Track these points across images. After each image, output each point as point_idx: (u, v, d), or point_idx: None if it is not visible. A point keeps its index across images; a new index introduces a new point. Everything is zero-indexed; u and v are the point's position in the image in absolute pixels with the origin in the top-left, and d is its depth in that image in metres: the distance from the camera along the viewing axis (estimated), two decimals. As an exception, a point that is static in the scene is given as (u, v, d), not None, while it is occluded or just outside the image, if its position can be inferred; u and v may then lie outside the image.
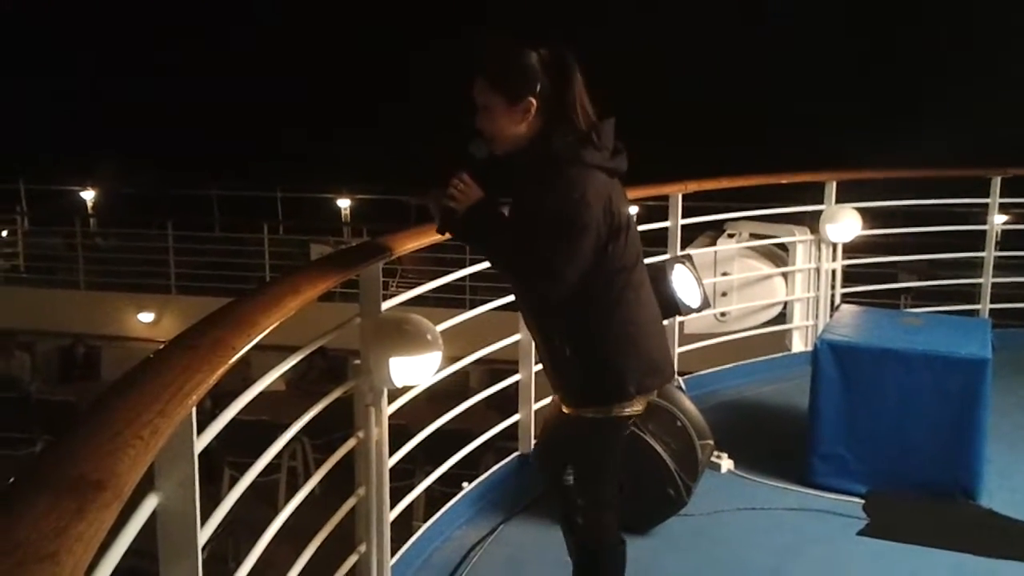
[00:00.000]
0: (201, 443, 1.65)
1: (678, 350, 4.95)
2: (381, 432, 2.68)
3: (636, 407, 2.49)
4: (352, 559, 2.68)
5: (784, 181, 5.80)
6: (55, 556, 0.92)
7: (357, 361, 2.59)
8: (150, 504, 1.54)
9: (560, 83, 2.35)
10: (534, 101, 2.33)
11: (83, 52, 24.79)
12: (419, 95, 21.54)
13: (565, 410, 2.55)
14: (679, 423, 3.60)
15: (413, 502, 3.27)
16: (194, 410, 1.56)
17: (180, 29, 25.41)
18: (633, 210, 2.58)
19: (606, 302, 2.40)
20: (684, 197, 4.87)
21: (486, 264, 3.83)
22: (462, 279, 4.30)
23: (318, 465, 2.60)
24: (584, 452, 2.58)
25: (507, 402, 4.08)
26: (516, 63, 2.35)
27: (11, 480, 1.06)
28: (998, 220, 6.18)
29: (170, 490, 1.58)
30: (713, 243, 5.57)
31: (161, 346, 1.61)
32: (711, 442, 3.78)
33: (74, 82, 24.49)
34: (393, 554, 2.94)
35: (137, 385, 1.39)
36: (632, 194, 2.74)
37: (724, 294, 5.61)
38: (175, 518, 1.60)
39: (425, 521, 3.49)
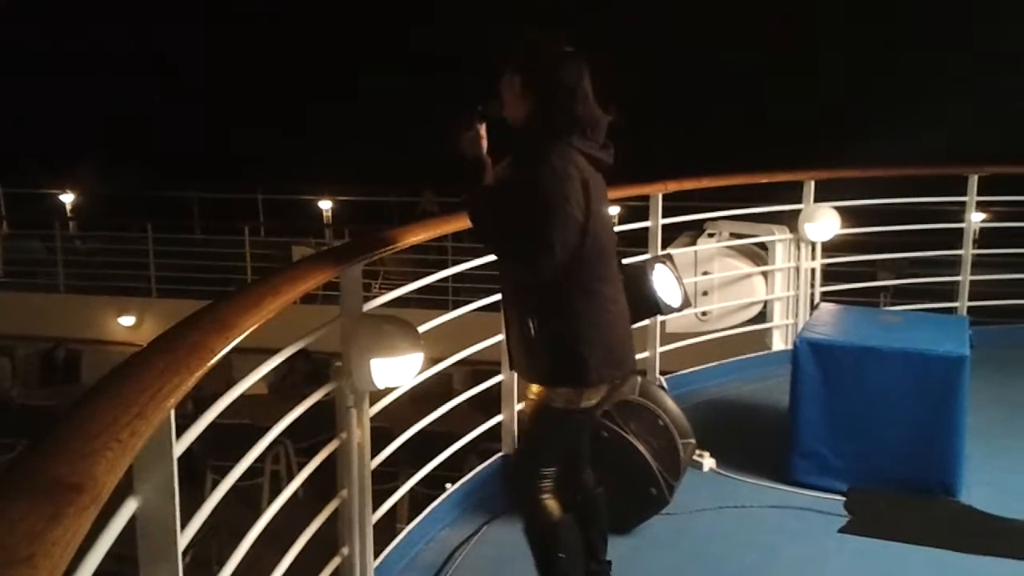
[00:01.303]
0: (180, 446, 1.65)
1: (659, 349, 4.97)
2: (363, 434, 2.68)
3: (592, 399, 2.56)
4: (335, 561, 2.68)
5: (763, 181, 5.83)
6: (31, 560, 0.91)
7: (338, 363, 2.59)
8: (129, 508, 1.54)
9: (559, 71, 2.51)
10: (533, 99, 2.52)
11: (62, 53, 24.61)
12: (402, 96, 21.51)
13: (530, 396, 2.62)
14: (661, 422, 3.62)
15: (396, 504, 3.26)
16: (172, 413, 1.56)
17: (161, 30, 25.26)
18: (615, 210, 2.65)
19: (578, 287, 2.50)
20: (664, 197, 4.89)
21: (468, 265, 3.85)
22: (444, 280, 4.29)
23: (301, 468, 2.59)
24: (536, 439, 2.70)
25: (490, 403, 4.08)
26: (523, 49, 2.56)
27: (-14, 484, 1.06)
28: (975, 218, 6.24)
29: (149, 493, 1.58)
30: (693, 243, 5.59)
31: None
32: (693, 441, 3.79)
33: (52, 84, 24.28)
34: (376, 556, 2.93)
35: (115, 388, 1.38)
36: (612, 194, 2.78)
37: (705, 293, 5.63)
38: (155, 522, 1.59)
39: (409, 523, 3.49)
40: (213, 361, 1.66)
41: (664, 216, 4.88)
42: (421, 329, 2.68)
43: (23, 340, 11.51)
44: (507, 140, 2.63)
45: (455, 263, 4.08)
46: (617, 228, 3.48)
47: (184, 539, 1.66)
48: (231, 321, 1.84)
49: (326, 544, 2.67)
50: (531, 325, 2.56)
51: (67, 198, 15.52)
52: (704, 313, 5.67)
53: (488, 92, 2.61)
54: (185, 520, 1.69)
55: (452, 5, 21.88)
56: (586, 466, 2.88)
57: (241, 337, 1.84)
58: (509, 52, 2.59)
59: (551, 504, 2.67)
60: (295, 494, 2.46)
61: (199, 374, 1.59)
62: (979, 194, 6.10)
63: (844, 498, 3.88)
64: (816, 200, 5.65)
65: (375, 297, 2.99)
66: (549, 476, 2.67)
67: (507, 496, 3.76)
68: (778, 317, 5.82)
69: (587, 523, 2.83)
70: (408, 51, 22.84)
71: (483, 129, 2.57)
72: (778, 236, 5.67)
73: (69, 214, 15.46)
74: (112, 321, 12.05)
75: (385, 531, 3.13)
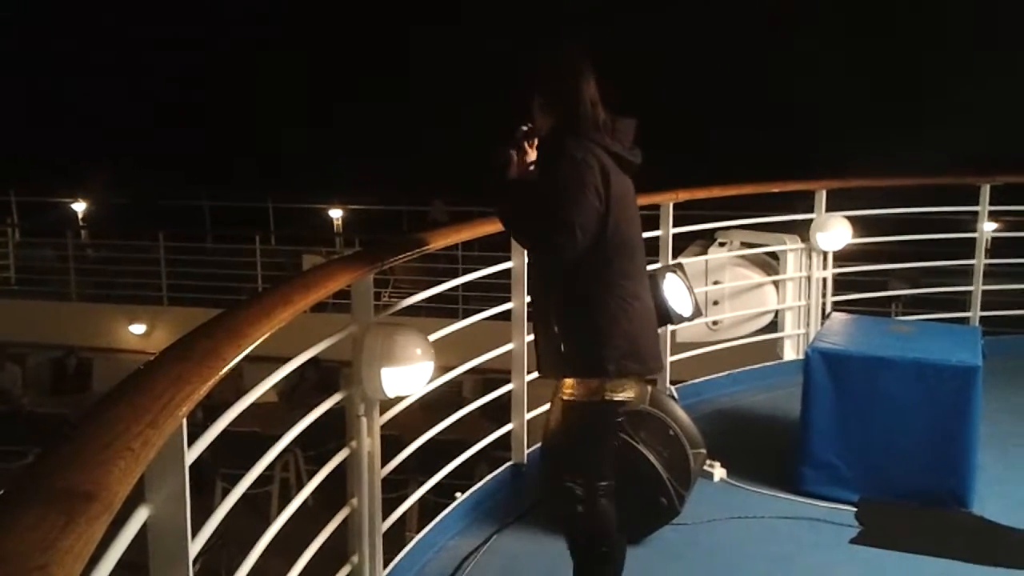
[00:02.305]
0: (192, 455, 1.65)
1: (670, 359, 4.96)
2: (373, 443, 2.68)
3: (622, 392, 2.59)
4: (345, 570, 2.68)
5: (775, 190, 5.82)
6: (45, 569, 0.91)
7: (349, 371, 2.59)
8: (141, 516, 1.54)
9: (571, 82, 2.62)
10: (553, 115, 2.65)
11: (71, 60, 24.75)
12: (414, 105, 21.57)
13: (564, 396, 2.65)
14: (671, 432, 3.61)
15: (406, 512, 3.26)
16: (184, 422, 1.56)
17: (173, 39, 25.39)
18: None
19: (596, 280, 2.56)
20: (675, 206, 4.88)
21: (478, 273, 3.86)
22: (454, 289, 4.30)
23: (310, 476, 2.60)
24: (572, 435, 2.68)
25: (500, 412, 4.08)
26: (532, 69, 2.72)
27: (0, 492, 1.06)
28: (988, 228, 6.20)
29: (161, 502, 1.58)
30: (704, 252, 5.58)
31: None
32: (703, 451, 3.78)
33: (64, 92, 24.44)
34: (386, 565, 2.93)
35: (127, 397, 1.38)
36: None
37: (715, 303, 5.61)
38: (166, 530, 1.59)
39: (418, 532, 3.48)
40: (225, 370, 1.66)
41: (675, 225, 4.88)
42: (431, 338, 2.68)
43: (35, 348, 11.55)
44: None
45: (465, 272, 4.09)
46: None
47: (195, 547, 1.66)
48: (243, 330, 1.84)
49: (335, 552, 2.67)
50: (555, 321, 2.63)
51: (79, 207, 15.61)
52: (715, 322, 5.65)
53: (525, 115, 2.74)
54: (195, 528, 1.69)
55: (467, 12, 21.92)
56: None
57: (253, 346, 1.84)
58: (527, 73, 2.73)
59: (609, 508, 2.66)
60: (304, 502, 2.46)
61: (211, 383, 1.59)
62: (991, 204, 6.08)
63: (855, 509, 3.85)
64: (828, 209, 5.64)
65: (386, 306, 2.99)
66: (606, 473, 2.67)
67: (517, 505, 3.76)
68: (789, 327, 5.80)
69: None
70: (419, 58, 22.89)
71: (529, 147, 2.71)
72: (790, 245, 5.66)
73: (81, 222, 15.55)
74: (123, 329, 12.10)
75: (394, 539, 3.13)
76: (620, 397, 2.61)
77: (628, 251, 2.62)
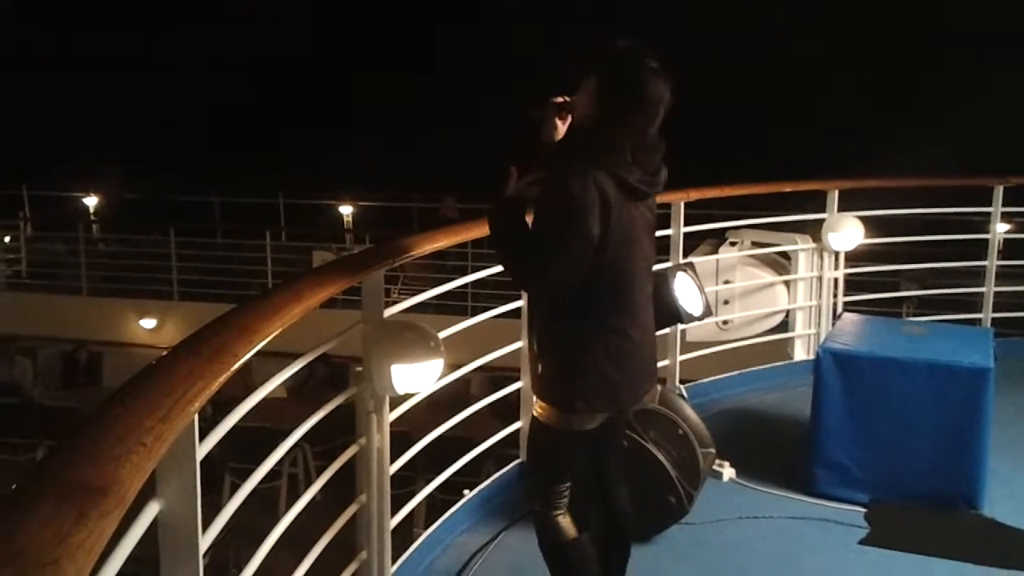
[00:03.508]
0: (203, 450, 1.65)
1: (680, 358, 4.95)
2: (383, 439, 2.68)
3: (589, 423, 2.51)
4: (353, 566, 2.68)
5: (786, 189, 5.80)
6: (57, 563, 0.92)
7: (359, 368, 2.59)
8: (151, 511, 1.54)
9: (642, 86, 2.38)
10: (602, 107, 2.39)
11: (85, 56, 24.84)
12: (422, 101, 21.58)
13: (534, 411, 2.59)
14: (681, 431, 3.60)
15: (414, 509, 3.26)
16: (196, 417, 1.56)
17: (183, 32, 25.46)
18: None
19: (581, 313, 2.44)
20: (686, 205, 4.87)
21: (488, 272, 3.85)
22: (464, 286, 4.29)
23: (318, 472, 2.60)
24: (534, 454, 2.66)
25: (508, 409, 4.07)
26: (620, 73, 2.42)
27: (13, 487, 1.06)
28: (1000, 229, 6.17)
29: (172, 497, 1.58)
30: (715, 251, 5.56)
31: (163, 352, 1.61)
32: (713, 450, 3.77)
33: (77, 86, 24.52)
34: (394, 561, 2.93)
35: (139, 392, 1.39)
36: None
37: (726, 302, 5.60)
38: (177, 525, 1.60)
39: (426, 528, 3.49)
40: (237, 366, 1.67)
41: (686, 224, 4.86)
42: (441, 335, 2.68)
43: (45, 341, 11.61)
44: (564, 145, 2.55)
45: (474, 269, 4.09)
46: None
47: (205, 542, 1.66)
48: (255, 326, 1.84)
49: (343, 548, 2.68)
50: (534, 340, 2.55)
51: (90, 201, 15.67)
52: (725, 322, 5.63)
53: (565, 89, 2.50)
54: (205, 523, 1.69)
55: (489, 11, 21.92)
56: (609, 487, 2.80)
57: (264, 342, 1.84)
58: (595, 53, 2.47)
59: (563, 522, 2.62)
60: (312, 497, 2.47)
61: (223, 379, 1.59)
62: (1004, 205, 6.05)
63: (865, 510, 3.84)
64: (840, 210, 5.62)
65: (395, 303, 2.99)
66: (561, 493, 2.61)
67: (523, 504, 3.76)
68: (800, 327, 5.78)
69: (608, 545, 2.78)
70: (437, 58, 22.89)
71: (561, 122, 2.50)
72: (801, 245, 5.64)
73: (92, 217, 15.61)
74: (134, 323, 12.14)
75: (403, 536, 3.13)
76: (587, 427, 2.51)
77: (624, 286, 2.48)
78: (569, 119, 2.50)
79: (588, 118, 2.43)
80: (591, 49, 2.49)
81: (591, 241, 2.34)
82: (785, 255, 5.79)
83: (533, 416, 2.59)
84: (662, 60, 2.42)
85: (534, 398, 2.58)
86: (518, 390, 3.96)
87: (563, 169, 2.37)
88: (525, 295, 3.07)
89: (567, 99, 2.48)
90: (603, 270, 2.40)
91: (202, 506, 1.63)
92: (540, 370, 2.53)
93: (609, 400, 2.51)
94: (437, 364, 2.58)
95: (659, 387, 3.75)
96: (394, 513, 2.88)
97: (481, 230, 3.69)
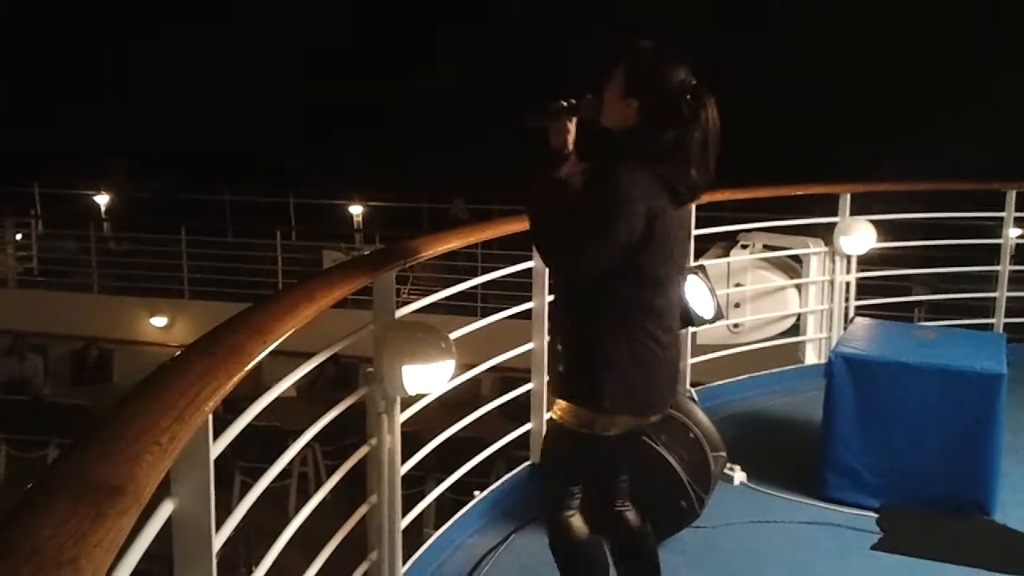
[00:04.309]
0: (217, 448, 1.66)
1: (690, 361, 4.94)
2: (394, 440, 2.68)
3: (613, 428, 2.46)
4: (363, 567, 2.68)
5: (798, 192, 5.78)
6: (75, 562, 0.92)
7: (370, 368, 2.59)
8: (166, 510, 1.55)
9: (680, 108, 2.37)
10: (636, 104, 2.37)
11: (96, 53, 24.93)
12: (432, 101, 21.60)
13: (553, 416, 2.55)
14: (692, 434, 3.59)
15: (424, 510, 3.26)
16: (211, 416, 1.57)
17: (193, 31, 25.53)
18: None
19: (615, 312, 2.41)
20: (697, 207, 4.85)
21: (498, 273, 3.85)
22: (474, 287, 4.29)
23: (328, 471, 2.61)
24: (552, 458, 2.65)
25: (519, 411, 4.07)
26: (648, 67, 2.40)
27: (30, 486, 1.07)
28: (1013, 233, 6.14)
29: (186, 496, 1.59)
30: (726, 254, 5.55)
31: (174, 350, 1.61)
32: (724, 454, 3.76)
33: (88, 85, 24.62)
34: (404, 562, 2.93)
35: (155, 391, 1.39)
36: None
37: (737, 305, 5.59)
38: (191, 524, 1.60)
39: (436, 529, 3.49)
40: (250, 366, 1.67)
41: (697, 227, 4.85)
42: (452, 336, 2.68)
43: (56, 339, 11.67)
44: (591, 145, 2.50)
45: (485, 270, 4.09)
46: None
47: (218, 541, 1.67)
48: (268, 326, 1.85)
49: (353, 548, 2.68)
50: (562, 338, 2.51)
51: (102, 199, 15.74)
52: (736, 325, 5.62)
53: (589, 90, 2.45)
54: (218, 522, 1.69)
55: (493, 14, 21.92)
56: (622, 500, 2.76)
57: (278, 342, 1.85)
58: (631, 57, 2.43)
59: (575, 523, 2.61)
60: (323, 497, 2.47)
61: (236, 378, 1.60)
62: (1017, 209, 6.02)
63: (877, 515, 3.83)
64: (852, 213, 5.60)
65: (405, 303, 2.99)
66: (574, 495, 2.60)
67: (535, 505, 3.75)
68: (811, 331, 5.77)
69: (633, 559, 2.77)
70: (443, 58, 22.90)
71: (572, 124, 2.43)
72: (813, 249, 5.62)
73: (103, 215, 15.67)
74: (144, 322, 12.19)
75: (413, 537, 3.13)
76: (610, 432, 2.46)
77: (659, 290, 2.44)
78: (576, 121, 2.45)
79: (621, 126, 2.41)
80: (621, 46, 2.44)
81: (632, 235, 2.31)
82: (797, 258, 5.77)
83: (552, 420, 2.55)
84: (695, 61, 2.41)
85: (556, 400, 2.55)
86: (529, 391, 3.96)
87: (614, 164, 2.34)
88: (541, 296, 3.03)
89: (572, 102, 2.44)
90: (640, 272, 2.39)
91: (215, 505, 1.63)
92: (564, 368, 2.49)
93: (636, 405, 2.47)
94: (448, 365, 2.58)
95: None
96: (405, 513, 2.88)
97: (492, 231, 3.71)
